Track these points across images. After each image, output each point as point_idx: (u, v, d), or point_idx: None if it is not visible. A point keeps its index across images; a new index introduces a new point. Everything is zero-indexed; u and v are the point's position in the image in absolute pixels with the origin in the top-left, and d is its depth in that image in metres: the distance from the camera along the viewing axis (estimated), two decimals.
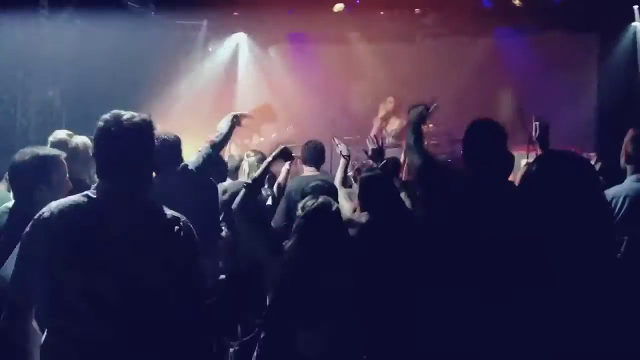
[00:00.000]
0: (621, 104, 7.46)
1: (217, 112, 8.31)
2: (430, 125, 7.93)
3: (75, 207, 2.09)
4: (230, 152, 6.38)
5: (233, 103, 8.60)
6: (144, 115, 2.19)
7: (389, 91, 8.13)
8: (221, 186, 4.68)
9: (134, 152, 2.13)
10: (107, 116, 2.14)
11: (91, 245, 2.03)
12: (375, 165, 3.96)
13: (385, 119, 7.43)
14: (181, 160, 4.11)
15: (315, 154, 4.82)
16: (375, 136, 4.12)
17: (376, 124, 7.45)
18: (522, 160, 5.76)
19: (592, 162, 5.15)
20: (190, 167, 4.09)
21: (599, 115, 7.92)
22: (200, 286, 2.29)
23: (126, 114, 2.13)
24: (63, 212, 2.07)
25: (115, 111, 2.14)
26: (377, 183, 3.49)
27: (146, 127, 2.17)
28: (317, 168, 4.83)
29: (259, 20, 9.10)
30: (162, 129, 3.86)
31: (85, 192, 2.14)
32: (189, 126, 7.88)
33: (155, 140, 2.25)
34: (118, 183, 2.12)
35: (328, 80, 9.18)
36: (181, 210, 2.25)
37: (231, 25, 9.52)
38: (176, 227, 2.16)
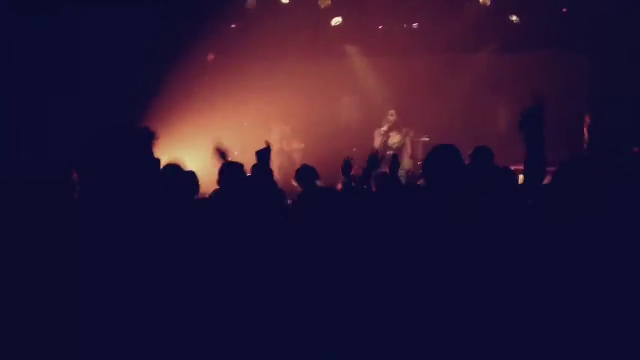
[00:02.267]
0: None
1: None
2: (427, 139, 8.05)
3: None
4: None
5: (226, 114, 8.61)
6: None
7: (385, 106, 8.22)
8: None
9: None
10: None
11: None
12: None
13: (388, 133, 7.58)
14: None
15: None
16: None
17: (378, 137, 7.59)
18: (521, 176, 5.79)
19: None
20: None
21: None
22: None
23: None
24: None
25: None
26: None
27: None
28: None
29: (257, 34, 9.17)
30: None
31: None
32: None
33: None
34: None
35: (326, 93, 9.23)
36: None
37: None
38: None
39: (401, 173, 7.28)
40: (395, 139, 7.58)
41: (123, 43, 7.61)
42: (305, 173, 4.73)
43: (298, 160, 8.36)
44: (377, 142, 7.61)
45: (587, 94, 8.44)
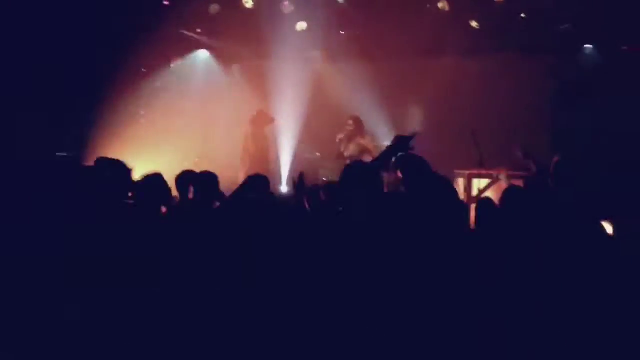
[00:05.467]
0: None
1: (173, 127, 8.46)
2: (389, 144, 8.03)
3: None
4: None
5: (186, 119, 8.60)
6: None
7: (349, 111, 8.21)
8: None
9: None
10: None
11: None
12: None
13: (346, 141, 7.47)
14: None
15: None
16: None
17: (337, 145, 7.51)
18: (475, 180, 5.88)
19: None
20: None
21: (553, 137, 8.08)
22: None
23: None
24: None
25: None
26: None
27: None
28: None
29: (221, 38, 9.17)
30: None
31: None
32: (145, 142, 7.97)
33: None
34: None
35: (290, 98, 9.21)
36: None
37: (195, 42, 9.57)
38: None
39: None
40: (351, 148, 7.47)
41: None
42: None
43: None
44: (336, 151, 7.54)
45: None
